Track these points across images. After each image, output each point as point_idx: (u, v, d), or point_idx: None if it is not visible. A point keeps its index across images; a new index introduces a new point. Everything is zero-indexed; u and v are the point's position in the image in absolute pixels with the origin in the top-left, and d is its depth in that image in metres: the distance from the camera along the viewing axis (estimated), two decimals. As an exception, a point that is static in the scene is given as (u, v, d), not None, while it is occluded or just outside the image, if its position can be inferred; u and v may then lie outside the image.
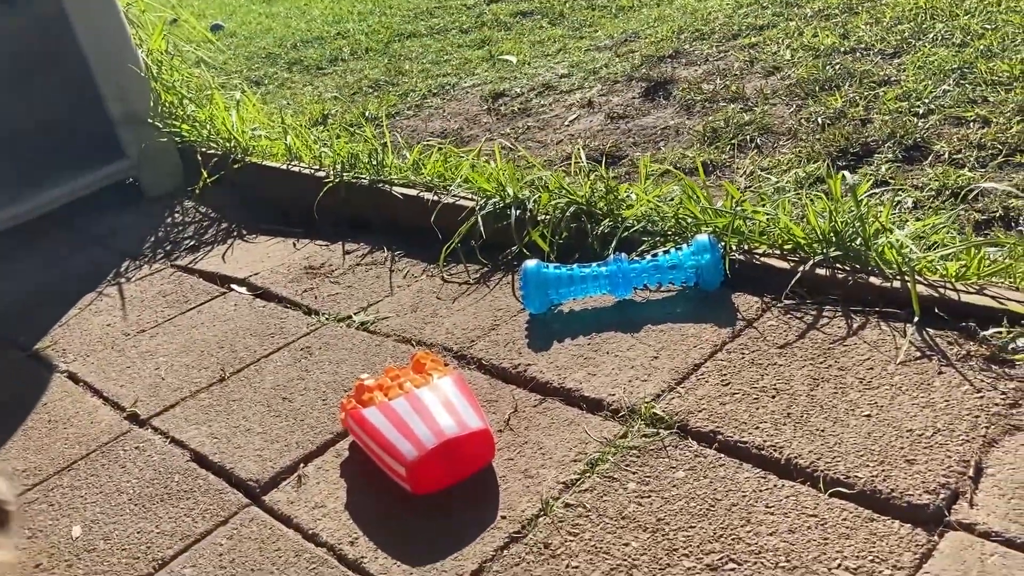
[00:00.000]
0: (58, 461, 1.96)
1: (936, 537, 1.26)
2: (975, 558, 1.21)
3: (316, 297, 2.56)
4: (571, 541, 1.43)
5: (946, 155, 2.66)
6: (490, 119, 4.07)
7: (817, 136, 2.98)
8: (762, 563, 1.30)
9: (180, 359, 2.33)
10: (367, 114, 4.28)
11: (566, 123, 3.92)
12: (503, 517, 1.52)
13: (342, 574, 1.46)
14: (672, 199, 2.34)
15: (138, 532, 1.67)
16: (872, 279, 1.83)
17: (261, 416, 1.95)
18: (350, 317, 2.39)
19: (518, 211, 2.53)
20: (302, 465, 1.76)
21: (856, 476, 1.40)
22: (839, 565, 1.26)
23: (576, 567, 1.38)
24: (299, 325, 2.39)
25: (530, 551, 1.43)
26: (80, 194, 3.47)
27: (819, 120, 3.12)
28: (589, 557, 1.39)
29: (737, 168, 3.02)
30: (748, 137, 3.23)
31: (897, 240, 1.83)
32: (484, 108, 4.19)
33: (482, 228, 2.53)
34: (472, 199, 2.68)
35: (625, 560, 1.37)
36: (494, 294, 2.35)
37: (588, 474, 1.57)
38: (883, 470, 1.40)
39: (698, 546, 1.36)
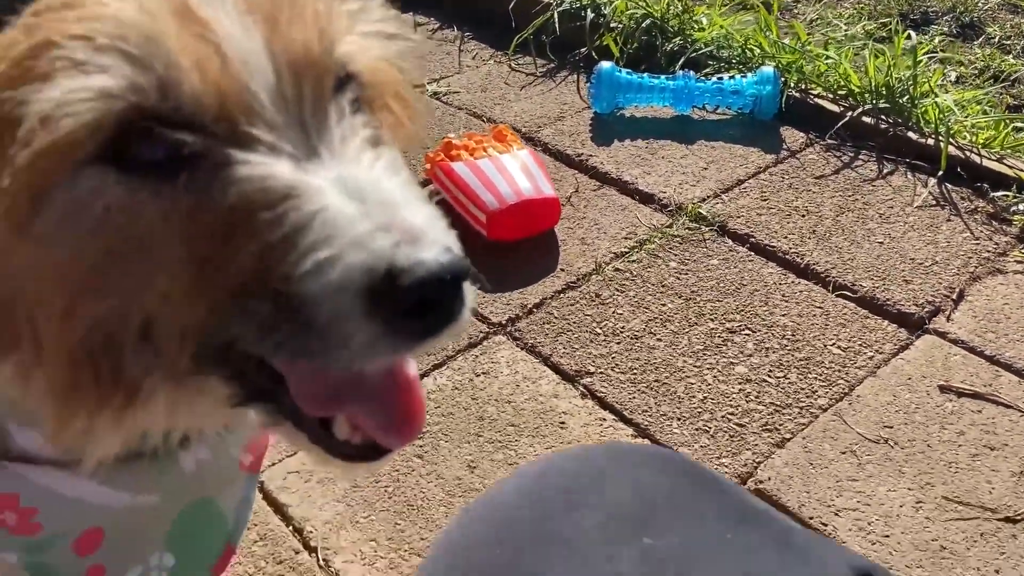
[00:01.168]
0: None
1: (914, 337, 1.59)
2: (941, 355, 1.54)
3: (390, 61, 2.73)
4: (618, 295, 1.75)
5: (996, 39, 2.81)
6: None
7: (883, -4, 3.08)
8: (772, 334, 1.62)
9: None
10: None
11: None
12: (562, 270, 1.82)
13: (428, 288, 1.77)
14: (742, 29, 2.50)
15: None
16: (910, 134, 2.06)
17: (349, 155, 2.19)
18: (423, 84, 2.58)
19: (593, 14, 2.66)
20: (389, 201, 2.02)
21: (860, 285, 1.71)
22: (833, 344, 1.59)
23: (620, 314, 1.70)
24: (377, 83, 2.57)
25: (583, 297, 1.75)
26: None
27: (888, -20, 3.20)
28: (631, 309, 1.71)
29: (800, 12, 3.13)
30: (815, -15, 3.30)
31: (942, 102, 2.05)
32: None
33: (557, 24, 2.67)
34: (549, -6, 2.80)
35: (661, 315, 1.69)
36: (560, 89, 2.54)
37: (636, 250, 1.86)
38: (883, 284, 1.70)
39: (722, 315, 1.68)
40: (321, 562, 1.29)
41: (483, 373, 1.59)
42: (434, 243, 0.49)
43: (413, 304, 0.47)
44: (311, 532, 1.33)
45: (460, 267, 0.49)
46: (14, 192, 0.48)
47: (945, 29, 2.89)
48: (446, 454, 1.45)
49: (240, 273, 0.48)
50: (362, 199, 0.49)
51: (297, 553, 1.31)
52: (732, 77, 2.28)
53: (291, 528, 1.34)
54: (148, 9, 0.50)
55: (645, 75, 2.31)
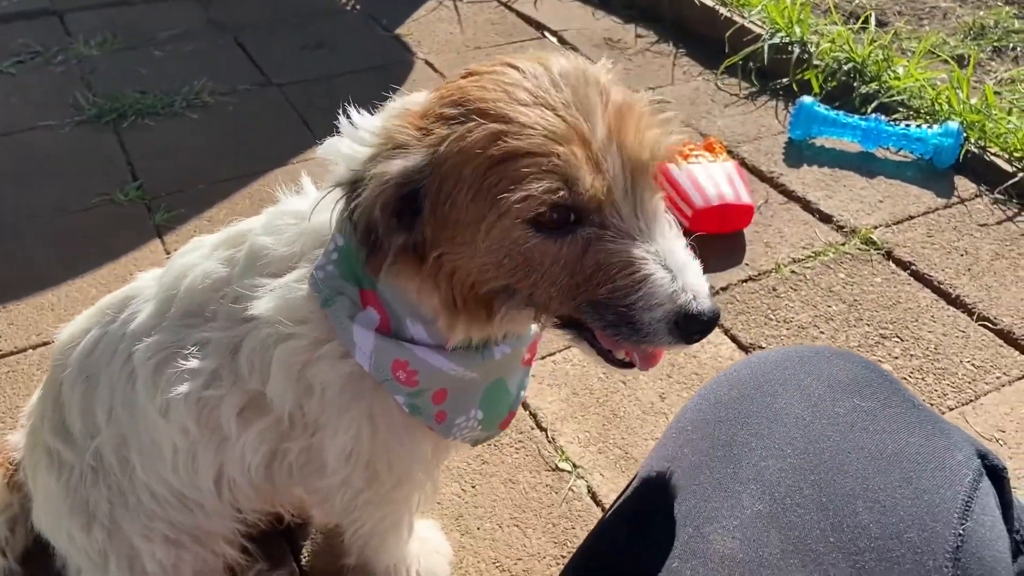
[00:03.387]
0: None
1: (1039, 369, 1.92)
2: (1059, 386, 1.87)
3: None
4: (791, 292, 2.15)
5: None
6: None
7: (1078, 68, 3.26)
8: (917, 344, 1.99)
9: (511, 80, 3.04)
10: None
11: (841, -27, 4.17)
12: (747, 264, 2.24)
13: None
14: (936, 84, 2.80)
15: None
16: (1074, 201, 2.34)
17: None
18: (638, 91, 3.01)
19: (800, 50, 3.02)
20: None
21: (1001, 320, 2.04)
22: (969, 361, 1.94)
23: (791, 307, 2.10)
24: (603, 84, 3.04)
25: (762, 288, 2.16)
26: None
27: (1086, 53, 3.36)
28: (801, 304, 2.11)
29: (991, 70, 3.36)
30: (1011, 44, 3.51)
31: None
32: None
33: (765, 55, 3.04)
34: (761, 27, 3.17)
35: (825, 314, 2.08)
36: (759, 112, 2.92)
37: (812, 258, 2.25)
38: (1022, 322, 2.03)
39: (877, 323, 2.05)
40: (549, 438, 1.79)
41: (676, 332, 2.04)
42: (707, 299, 0.90)
43: (695, 329, 0.89)
44: (542, 417, 1.83)
45: (718, 314, 0.90)
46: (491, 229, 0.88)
47: None
48: (643, 384, 1.91)
49: (596, 296, 0.90)
50: (668, 267, 0.88)
51: (532, 429, 1.81)
52: (919, 126, 2.60)
53: (528, 412, 1.84)
54: (563, 137, 0.86)
55: (841, 112, 2.67)
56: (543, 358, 1.95)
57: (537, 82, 0.90)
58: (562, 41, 3.35)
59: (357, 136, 0.98)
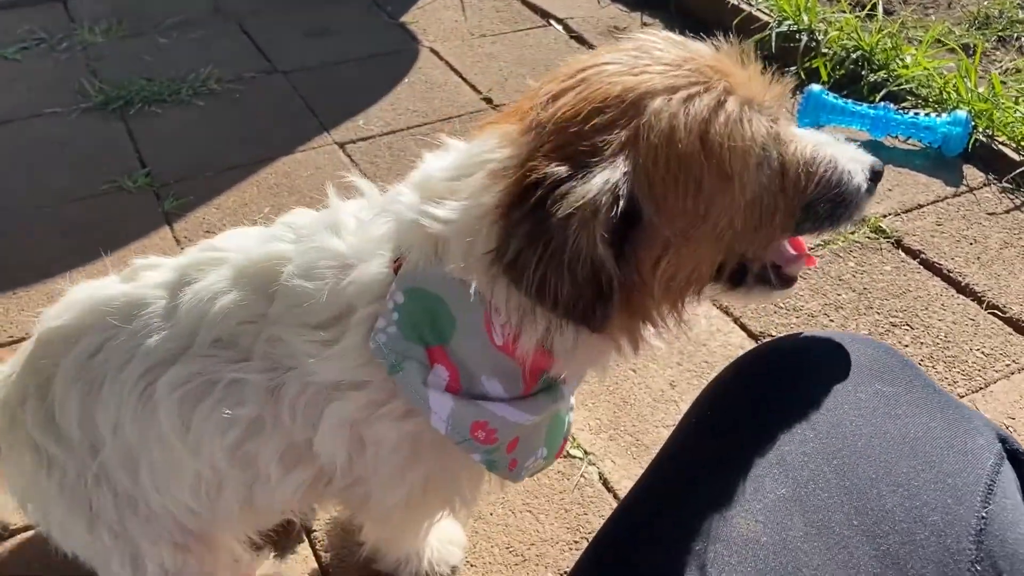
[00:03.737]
0: (438, 113, 2.75)
1: (1049, 357, 1.92)
2: (1069, 374, 1.87)
3: (620, 54, 3.17)
4: (800, 280, 2.14)
5: None
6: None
7: (1085, 57, 3.25)
8: (927, 332, 1.99)
9: (517, 69, 3.03)
10: None
11: (847, -38, 4.15)
12: (756, 252, 2.23)
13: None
14: (943, 72, 2.79)
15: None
16: (1082, 189, 2.34)
17: (588, 131, 2.67)
18: (647, 79, 3.01)
19: (808, 38, 3.01)
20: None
21: (1010, 308, 2.04)
22: (978, 349, 1.94)
23: (800, 296, 2.10)
24: (610, 72, 3.03)
25: (772, 277, 2.16)
26: None
27: (1091, 42, 3.35)
28: (810, 293, 2.11)
29: (995, 59, 3.35)
30: (1016, 34, 3.50)
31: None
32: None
33: (773, 43, 3.03)
34: (768, 15, 3.16)
35: (835, 302, 2.08)
36: (767, 100, 2.91)
37: (821, 247, 2.25)
38: (1031, 311, 2.03)
39: (887, 311, 2.05)
40: (561, 425, 1.79)
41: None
42: (872, 158, 0.98)
43: (879, 176, 0.97)
44: (553, 404, 1.83)
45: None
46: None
47: None
48: (653, 372, 1.91)
49: (810, 197, 0.94)
50: (832, 146, 0.95)
51: (544, 416, 1.81)
52: (927, 114, 2.59)
53: (539, 399, 1.84)
54: (728, 74, 0.91)
55: (849, 101, 2.66)
56: (553, 345, 1.95)
57: (650, 55, 0.91)
58: (567, 29, 3.34)
59: (438, 215, 0.91)
